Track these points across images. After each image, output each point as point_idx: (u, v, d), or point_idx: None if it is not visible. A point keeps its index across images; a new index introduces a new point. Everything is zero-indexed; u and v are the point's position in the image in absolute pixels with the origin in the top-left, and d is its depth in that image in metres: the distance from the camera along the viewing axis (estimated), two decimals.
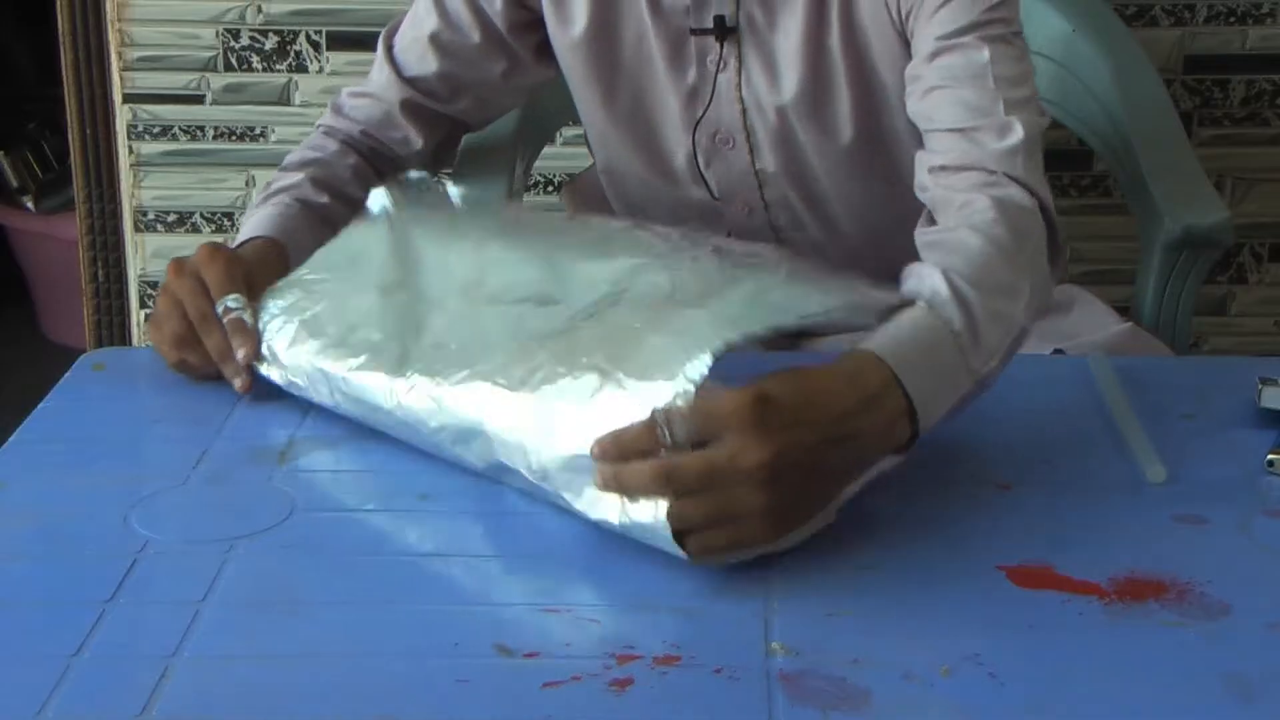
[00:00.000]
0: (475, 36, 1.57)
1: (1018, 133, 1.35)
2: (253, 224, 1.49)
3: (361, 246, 1.37)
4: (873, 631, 1.01)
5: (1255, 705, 0.94)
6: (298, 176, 1.54)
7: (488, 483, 1.18)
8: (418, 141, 1.62)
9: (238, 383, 1.32)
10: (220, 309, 1.33)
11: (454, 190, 1.44)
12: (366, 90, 1.62)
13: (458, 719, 0.93)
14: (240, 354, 1.31)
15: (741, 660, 0.98)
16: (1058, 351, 1.48)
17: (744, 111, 1.52)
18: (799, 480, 1.07)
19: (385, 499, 1.18)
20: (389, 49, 1.61)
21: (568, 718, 0.93)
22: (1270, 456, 1.21)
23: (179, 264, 1.36)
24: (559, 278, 1.23)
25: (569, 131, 2.23)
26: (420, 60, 1.59)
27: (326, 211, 1.53)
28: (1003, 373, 1.22)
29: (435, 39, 1.57)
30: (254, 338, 1.32)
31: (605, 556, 1.09)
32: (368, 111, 1.61)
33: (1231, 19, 2.22)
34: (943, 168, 1.36)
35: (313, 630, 1.02)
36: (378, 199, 1.41)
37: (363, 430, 1.27)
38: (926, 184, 1.38)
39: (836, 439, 1.08)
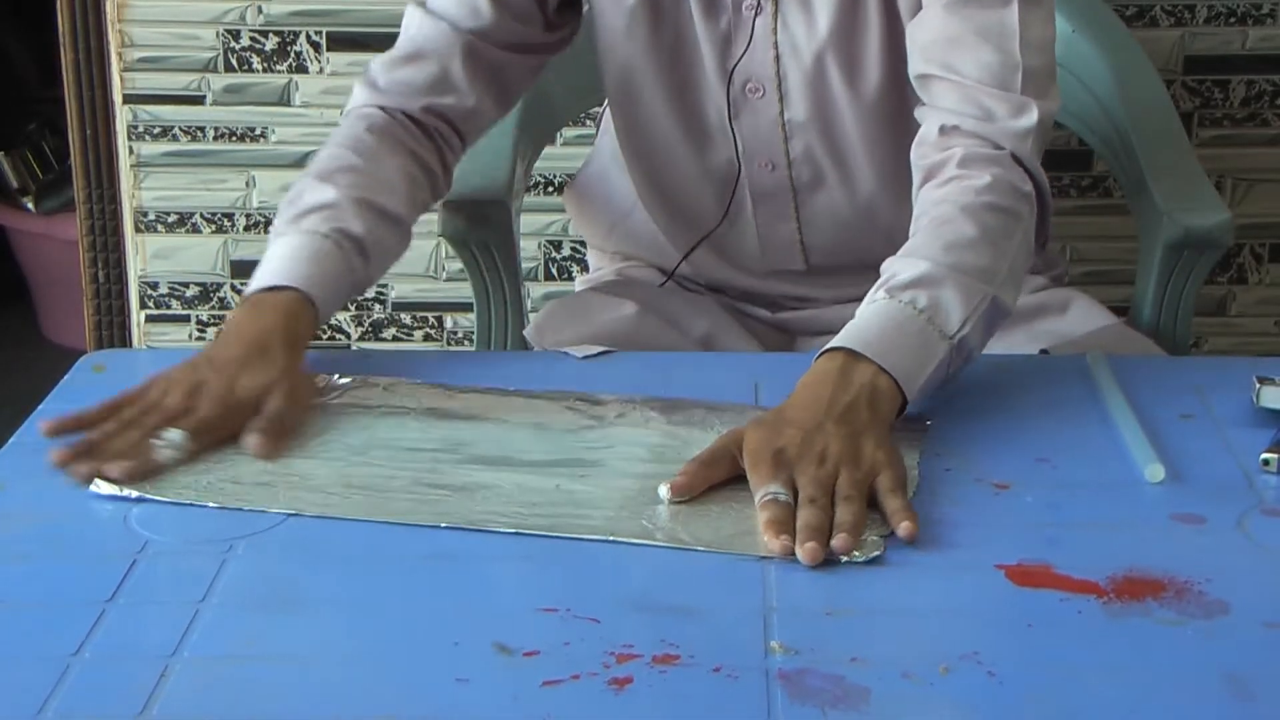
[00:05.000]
0: None
1: (1032, 115, 1.40)
2: (280, 264, 1.36)
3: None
4: (872, 631, 1.01)
5: (1254, 704, 0.94)
6: (331, 193, 1.40)
7: None
8: (471, 99, 1.52)
9: (89, 470, 1.19)
10: (164, 435, 1.23)
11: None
12: (410, 52, 1.51)
13: (458, 719, 0.94)
14: (116, 469, 1.19)
15: (741, 659, 0.98)
16: (1044, 352, 1.48)
17: (777, 58, 1.51)
18: (821, 441, 1.18)
19: None
20: (421, 3, 1.52)
21: (567, 717, 0.93)
22: (1265, 455, 1.21)
23: (227, 381, 1.27)
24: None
25: (569, 132, 2.23)
26: (473, 13, 1.50)
27: (364, 243, 1.40)
28: (986, 343, 1.32)
29: None
30: (141, 474, 1.19)
31: (605, 556, 1.10)
32: (418, 77, 1.51)
33: (1231, 19, 2.22)
34: (956, 128, 1.40)
35: (312, 630, 1.02)
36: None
37: None
38: (931, 138, 1.41)
39: (829, 420, 1.20)
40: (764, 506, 1.13)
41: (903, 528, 1.11)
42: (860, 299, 1.56)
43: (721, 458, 1.19)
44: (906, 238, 1.38)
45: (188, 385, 1.27)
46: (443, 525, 1.13)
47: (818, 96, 1.51)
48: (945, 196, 1.36)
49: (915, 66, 1.44)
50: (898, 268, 1.31)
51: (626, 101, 1.60)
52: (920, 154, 1.42)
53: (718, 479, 1.18)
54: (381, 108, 1.50)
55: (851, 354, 1.24)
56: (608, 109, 1.70)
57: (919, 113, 1.45)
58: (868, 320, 1.28)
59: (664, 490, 1.16)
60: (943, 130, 1.41)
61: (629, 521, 1.13)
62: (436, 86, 1.51)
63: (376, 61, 1.53)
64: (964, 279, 1.29)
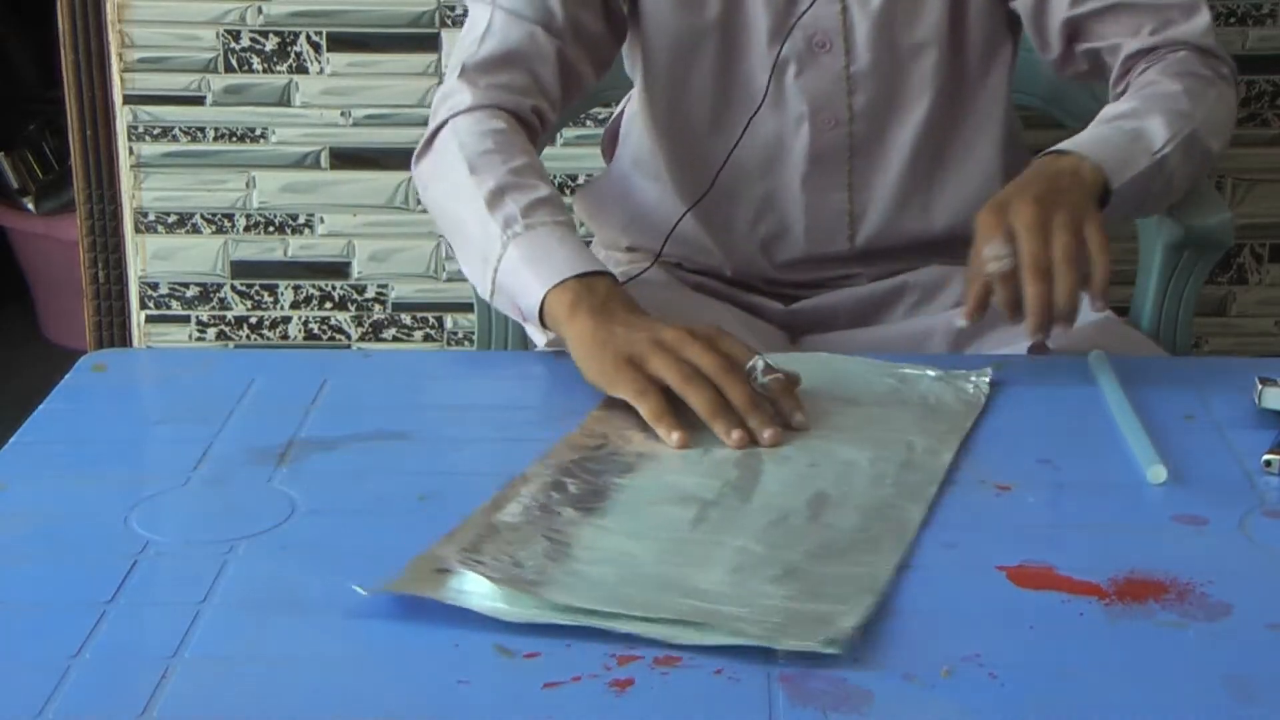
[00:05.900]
0: None
1: (1205, 14, 1.56)
2: (567, 256, 1.36)
3: None
4: (873, 631, 1.01)
5: (1255, 706, 0.94)
6: (545, 189, 1.44)
7: (487, 483, 1.18)
8: (559, 103, 1.57)
9: (768, 434, 1.22)
10: (756, 367, 1.26)
11: None
12: (502, 56, 1.53)
13: (458, 719, 0.94)
14: (798, 417, 1.25)
15: (742, 661, 0.97)
16: (1044, 348, 1.48)
17: (844, 9, 1.56)
18: (1053, 208, 1.33)
19: (385, 499, 1.18)
20: (497, 5, 1.54)
21: (568, 718, 0.93)
22: (1267, 456, 1.21)
23: (685, 334, 1.27)
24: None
25: (569, 132, 2.23)
26: (546, 12, 1.53)
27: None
28: (1187, 177, 1.50)
29: None
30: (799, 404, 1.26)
31: None
32: (517, 81, 1.54)
33: (1231, 19, 2.22)
34: (1145, 50, 1.55)
35: (313, 631, 1.02)
36: None
37: (363, 431, 1.27)
38: (1121, 69, 1.55)
39: (1037, 188, 1.35)
40: (998, 284, 1.32)
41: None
42: (893, 273, 1.63)
43: (977, 273, 1.33)
44: (947, 210, 1.56)
45: (649, 335, 1.28)
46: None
47: (884, 45, 1.57)
48: (1144, 77, 1.52)
49: (1061, 9, 1.55)
50: (1106, 112, 1.48)
51: (672, 83, 1.61)
52: (1114, 87, 1.56)
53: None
54: (499, 106, 1.52)
55: (1057, 152, 1.41)
56: (625, 114, 1.71)
57: (1084, 59, 1.59)
58: (1074, 138, 1.44)
59: (961, 321, 1.36)
60: (1132, 55, 1.55)
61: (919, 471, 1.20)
62: (533, 90, 1.54)
63: (469, 62, 1.53)
64: (1166, 113, 1.46)
